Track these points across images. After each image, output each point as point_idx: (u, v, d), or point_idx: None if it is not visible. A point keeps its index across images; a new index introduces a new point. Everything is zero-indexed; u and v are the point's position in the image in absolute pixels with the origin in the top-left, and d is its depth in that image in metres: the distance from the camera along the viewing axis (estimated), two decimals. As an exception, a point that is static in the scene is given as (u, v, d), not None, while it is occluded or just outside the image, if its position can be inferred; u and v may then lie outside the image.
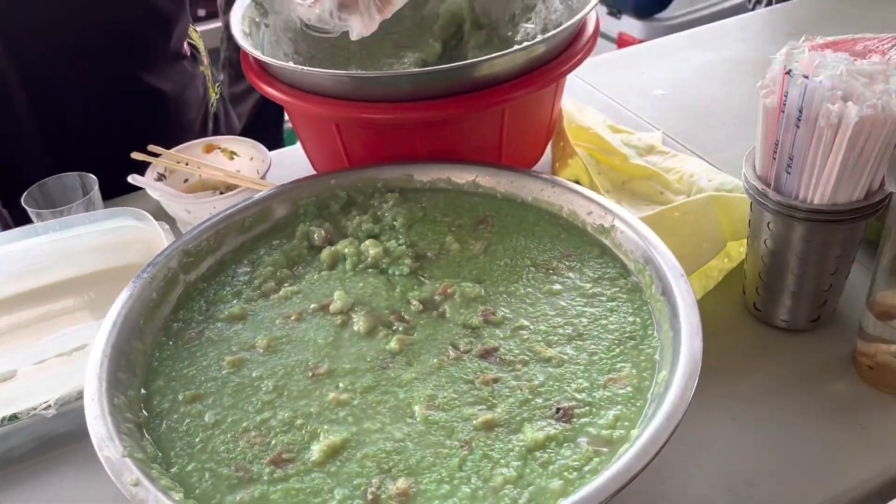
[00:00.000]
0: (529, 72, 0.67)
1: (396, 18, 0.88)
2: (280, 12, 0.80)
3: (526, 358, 0.49)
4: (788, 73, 0.48)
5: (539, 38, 0.65)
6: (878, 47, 0.75)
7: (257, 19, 0.77)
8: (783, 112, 0.50)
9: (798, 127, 0.49)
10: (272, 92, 0.68)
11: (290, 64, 0.69)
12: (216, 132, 1.03)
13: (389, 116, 0.64)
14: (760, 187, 0.54)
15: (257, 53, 0.67)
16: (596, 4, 0.70)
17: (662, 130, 0.87)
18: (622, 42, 2.02)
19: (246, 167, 0.81)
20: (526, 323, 0.52)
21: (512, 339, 0.51)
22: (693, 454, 0.53)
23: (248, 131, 1.19)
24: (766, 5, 1.31)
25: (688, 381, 0.43)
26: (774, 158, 0.53)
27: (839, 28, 1.02)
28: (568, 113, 0.83)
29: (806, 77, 0.48)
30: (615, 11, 2.04)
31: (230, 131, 1.09)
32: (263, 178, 0.76)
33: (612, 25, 2.08)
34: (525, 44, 0.63)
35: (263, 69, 0.70)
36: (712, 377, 0.57)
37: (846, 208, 0.52)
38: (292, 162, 0.83)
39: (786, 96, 0.49)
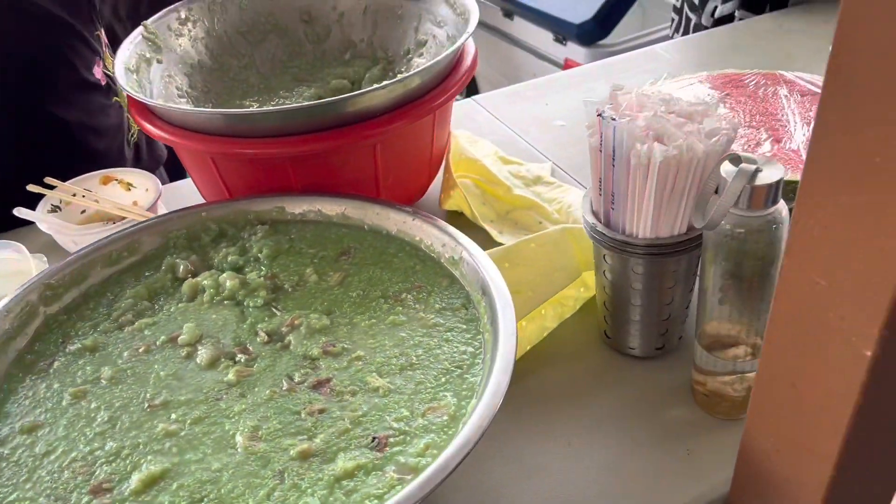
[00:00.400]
0: (402, 105, 0.69)
1: (297, 52, 0.92)
2: (173, 48, 0.83)
3: (355, 388, 0.51)
4: (600, 115, 0.51)
5: (398, 77, 0.67)
6: (738, 82, 0.78)
7: (148, 55, 0.79)
8: (601, 151, 0.52)
9: (615, 166, 0.52)
10: (151, 129, 0.70)
11: (160, 101, 0.71)
12: (137, 162, 1.05)
13: (258, 151, 0.66)
14: (592, 222, 0.56)
15: (132, 91, 0.69)
16: (466, 39, 0.73)
17: (554, 161, 0.89)
18: (568, 67, 2.07)
19: (143, 198, 0.83)
20: (363, 354, 0.54)
21: (346, 370, 0.53)
22: (530, 477, 0.55)
23: (173, 160, 1.20)
24: (683, 34, 1.35)
25: (486, 410, 0.45)
26: (600, 195, 0.55)
27: (743, 60, 1.06)
28: (459, 145, 0.86)
29: (614, 119, 0.50)
30: (561, 38, 2.09)
31: (154, 160, 1.11)
32: (151, 209, 0.77)
33: (559, 52, 2.12)
34: (384, 82, 0.66)
35: (144, 106, 0.72)
36: (558, 402, 0.60)
37: (668, 242, 0.54)
38: (194, 192, 0.85)
39: (602, 137, 0.52)
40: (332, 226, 0.67)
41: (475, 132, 0.94)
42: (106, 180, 0.83)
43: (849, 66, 0.32)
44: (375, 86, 0.65)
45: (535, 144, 0.94)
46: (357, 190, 0.71)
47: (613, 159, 0.52)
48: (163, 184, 0.94)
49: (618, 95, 0.54)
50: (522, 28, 2.25)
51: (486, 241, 0.76)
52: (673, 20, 1.42)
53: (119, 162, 1.03)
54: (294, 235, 0.66)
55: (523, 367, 0.63)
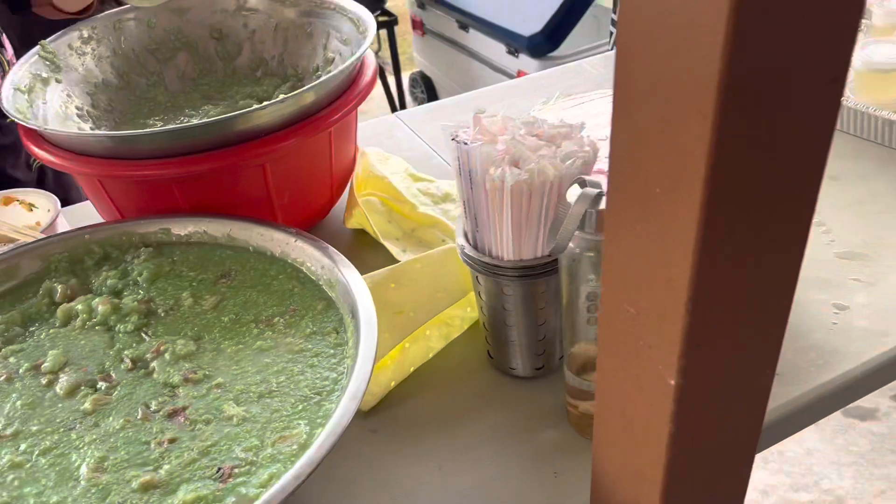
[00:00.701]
0: (297, 123, 0.69)
1: (208, 70, 0.91)
2: (75, 67, 0.82)
3: (210, 417, 0.50)
4: (454, 139, 0.51)
5: (281, 96, 0.67)
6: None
7: (45, 75, 0.78)
8: (461, 175, 0.52)
9: (472, 189, 0.52)
10: (38, 151, 0.68)
11: (41, 123, 0.70)
12: (41, 183, 1.04)
13: (141, 174, 0.65)
14: (461, 244, 0.56)
15: (12, 113, 0.68)
16: (362, 54, 0.72)
17: (466, 177, 0.89)
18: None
19: (46, 219, 0.82)
20: (223, 381, 0.53)
21: (204, 398, 0.52)
22: (397, 503, 0.54)
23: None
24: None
25: (326, 440, 0.44)
26: (467, 217, 0.55)
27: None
28: (368, 162, 0.85)
29: (465, 143, 0.50)
30: (513, 51, 2.09)
31: (61, 184, 1.09)
32: (47, 231, 0.76)
33: (512, 63, 2.13)
34: (271, 100, 0.65)
35: (32, 129, 0.71)
36: (436, 425, 0.59)
37: (533, 264, 0.54)
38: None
39: (459, 161, 0.52)
40: (218, 247, 0.66)
41: (393, 148, 0.94)
42: (7, 201, 0.82)
43: (628, 99, 0.32)
44: (256, 105, 0.65)
45: (449, 161, 0.93)
46: (251, 210, 0.70)
47: (472, 183, 0.51)
48: (79, 203, 0.93)
49: (481, 119, 0.54)
50: (477, 40, 2.26)
51: (388, 260, 0.76)
52: (612, 33, 1.42)
53: (22, 182, 1.01)
54: (177, 258, 0.65)
55: (405, 390, 0.62)
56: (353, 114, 0.76)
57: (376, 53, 2.70)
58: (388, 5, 2.53)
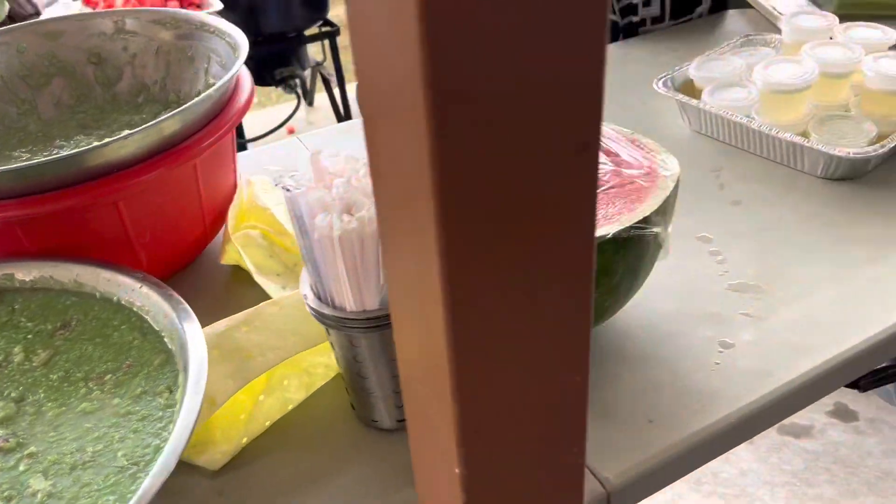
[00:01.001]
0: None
1: (86, 96, 0.86)
2: (-68, 96, 0.77)
3: (13, 494, 0.46)
4: (277, 184, 0.47)
5: (126, 131, 0.62)
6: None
7: None
8: (294, 221, 0.48)
9: (304, 237, 0.48)
10: None
11: None
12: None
13: (-25, 216, 0.60)
14: (304, 293, 0.52)
15: None
16: (232, 76, 0.68)
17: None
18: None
19: None
20: (37, 450, 0.48)
21: (12, 471, 0.47)
22: (238, 579, 0.50)
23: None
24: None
25: (118, 526, 0.40)
26: (307, 266, 0.51)
27: (614, 116, 1.03)
28: (252, 192, 0.81)
29: (288, 190, 0.46)
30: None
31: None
32: None
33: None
34: (125, 131, 0.61)
35: None
36: (289, 486, 0.55)
37: (378, 314, 0.50)
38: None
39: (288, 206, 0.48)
40: (64, 294, 0.61)
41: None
42: None
43: (376, 174, 0.28)
44: (104, 140, 0.60)
45: (345, 188, 0.89)
46: (108, 252, 0.65)
47: (302, 231, 0.47)
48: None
49: (320, 160, 0.50)
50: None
51: (264, 299, 0.72)
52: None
53: None
54: (18, 306, 0.61)
55: (261, 446, 0.58)
56: (225, 140, 0.72)
57: (321, 64, 2.66)
58: (331, 15, 2.49)
